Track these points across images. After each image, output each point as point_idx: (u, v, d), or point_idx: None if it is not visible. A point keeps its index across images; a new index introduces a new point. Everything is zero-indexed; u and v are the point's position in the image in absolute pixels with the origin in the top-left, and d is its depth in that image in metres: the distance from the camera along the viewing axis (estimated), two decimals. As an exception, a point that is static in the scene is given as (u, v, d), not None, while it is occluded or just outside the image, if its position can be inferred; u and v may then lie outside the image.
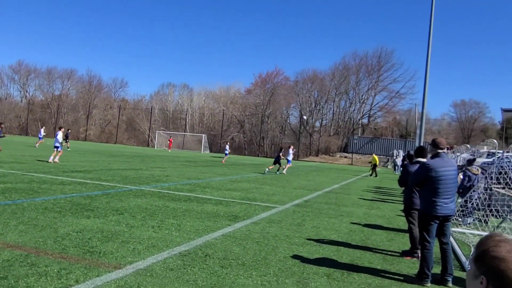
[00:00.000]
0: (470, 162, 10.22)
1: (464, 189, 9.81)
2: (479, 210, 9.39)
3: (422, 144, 20.51)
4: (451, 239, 7.99)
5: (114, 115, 79.87)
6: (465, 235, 8.40)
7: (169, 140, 59.60)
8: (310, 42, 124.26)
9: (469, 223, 9.40)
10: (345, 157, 63.00)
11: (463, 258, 6.53)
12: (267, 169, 24.58)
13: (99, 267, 4.62)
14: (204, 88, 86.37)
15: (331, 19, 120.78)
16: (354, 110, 75.62)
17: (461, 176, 11.98)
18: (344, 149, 68.09)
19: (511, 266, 1.26)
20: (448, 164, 5.35)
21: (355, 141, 63.43)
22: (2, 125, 17.98)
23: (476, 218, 9.59)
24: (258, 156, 63.79)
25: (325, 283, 4.82)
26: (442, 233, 5.40)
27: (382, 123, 77.09)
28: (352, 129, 72.45)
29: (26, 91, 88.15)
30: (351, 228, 8.45)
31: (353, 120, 74.85)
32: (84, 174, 14.58)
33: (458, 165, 12.57)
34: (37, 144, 31.69)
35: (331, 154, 65.91)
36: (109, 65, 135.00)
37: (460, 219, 9.46)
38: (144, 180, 14.15)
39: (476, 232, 8.44)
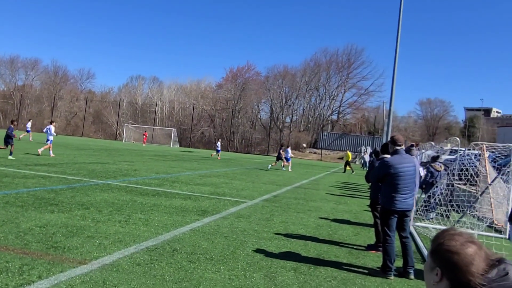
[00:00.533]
0: (434, 159, 10.58)
1: (427, 185, 10.15)
2: (441, 205, 9.76)
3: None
4: (414, 233, 8.28)
5: (80, 107, 77.76)
6: (427, 229, 8.73)
7: (143, 134, 58.65)
8: (282, 38, 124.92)
9: (431, 218, 9.76)
10: (315, 152, 63.78)
11: (425, 252, 6.76)
12: (269, 165, 25.75)
13: (63, 263, 4.53)
14: (175, 82, 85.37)
15: (303, 15, 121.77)
16: (324, 106, 76.74)
17: (424, 172, 12.39)
18: (314, 145, 68.97)
19: (463, 258, 1.32)
20: (407, 160, 5.54)
21: (325, 137, 64.36)
22: (15, 122, 17.61)
23: (438, 213, 9.96)
24: (228, 151, 63.70)
25: (292, 276, 4.90)
26: (401, 228, 5.60)
27: (351, 120, 78.62)
28: (321, 125, 73.45)
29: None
30: (319, 223, 8.59)
31: (323, 116, 75.89)
32: (48, 167, 14.16)
33: (423, 162, 12.99)
34: (21, 136, 31.18)
35: (301, 149, 66.59)
36: (75, 56, 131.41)
37: (423, 214, 9.80)
38: (111, 174, 13.88)
39: (438, 226, 8.77)
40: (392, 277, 5.33)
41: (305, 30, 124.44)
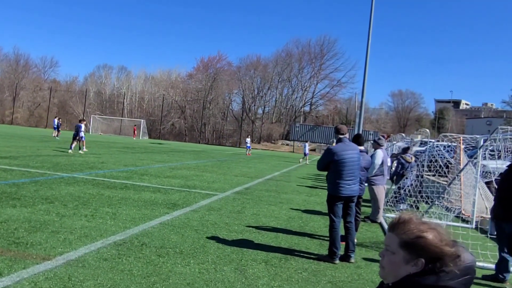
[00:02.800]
0: (405, 150, 10.86)
1: (397, 176, 10.41)
2: (411, 196, 10.04)
3: (360, 132, 21.38)
4: (385, 224, 8.49)
5: (44, 97, 75.32)
6: (397, 220, 8.96)
7: (133, 128, 57.64)
8: (254, 28, 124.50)
9: (401, 209, 10.02)
10: (287, 144, 64.28)
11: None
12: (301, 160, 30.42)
13: (26, 259, 4.41)
14: (143, 72, 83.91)
15: (275, 4, 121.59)
16: (297, 97, 77.25)
17: (395, 164, 12.69)
18: (286, 136, 69.44)
19: (444, 246, 1.43)
20: (350, 148, 5.81)
21: (297, 128, 64.80)
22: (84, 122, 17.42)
23: (408, 204, 10.25)
24: (200, 143, 63.34)
25: (263, 269, 4.95)
26: (346, 213, 5.88)
27: (324, 111, 79.48)
28: (294, 117, 73.97)
29: None
30: (290, 215, 8.69)
31: (295, 108, 76.42)
32: (10, 160, 13.69)
33: (394, 154, 13.30)
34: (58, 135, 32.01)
35: (273, 141, 66.96)
36: (37, 43, 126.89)
37: (393, 205, 10.06)
38: (77, 167, 13.56)
39: (407, 217, 9.01)
40: (337, 261, 5.56)
41: (278, 20, 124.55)
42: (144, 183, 11.29)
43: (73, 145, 19.87)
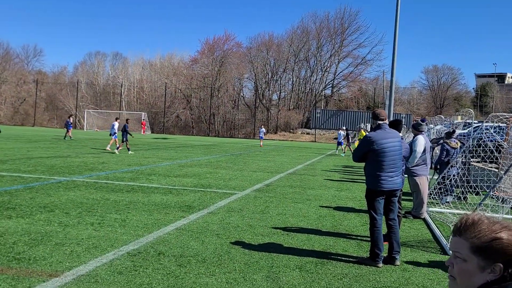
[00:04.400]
0: (449, 134, 10.70)
1: (441, 165, 10.27)
2: (457, 187, 9.91)
3: (391, 116, 21.18)
4: (429, 219, 8.40)
5: (29, 91, 76.23)
6: (443, 215, 8.86)
7: (142, 123, 58.29)
8: (264, 2, 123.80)
9: (447, 202, 9.90)
10: (308, 133, 64.09)
11: (443, 241, 6.87)
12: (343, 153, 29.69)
13: (31, 276, 4.46)
14: (141, 58, 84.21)
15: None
16: (316, 80, 76.71)
17: (437, 151, 12.53)
18: (306, 124, 69.22)
19: None
20: (391, 135, 5.74)
21: (318, 115, 64.55)
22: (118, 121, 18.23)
23: (455, 195, 10.11)
24: (209, 136, 63.59)
25: (298, 276, 4.93)
26: (388, 209, 5.81)
27: (347, 94, 78.88)
28: (314, 102, 73.60)
29: None
30: (321, 213, 8.66)
31: (315, 92, 75.98)
32: None
33: (434, 139, 13.12)
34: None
35: (291, 130, 66.82)
36: (17, 30, 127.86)
37: (437, 198, 9.94)
38: (75, 169, 13.70)
39: (455, 211, 8.91)
40: (381, 264, 5.51)
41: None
42: (153, 184, 11.36)
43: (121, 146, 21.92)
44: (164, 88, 70.56)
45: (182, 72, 77.34)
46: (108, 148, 22.75)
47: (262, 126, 42.48)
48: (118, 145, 22.00)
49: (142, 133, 55.07)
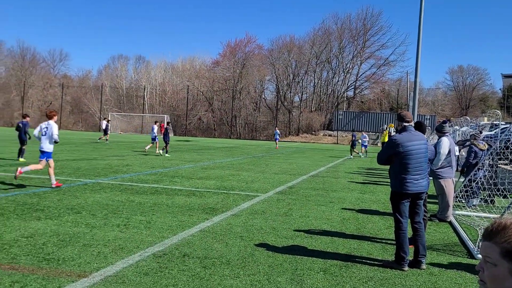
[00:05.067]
0: (475, 136, 10.53)
1: (469, 167, 10.11)
2: (484, 189, 9.73)
3: (415, 117, 20.93)
4: (455, 223, 8.28)
5: (55, 95, 77.80)
6: (470, 218, 8.72)
7: (160, 125, 58.97)
8: (285, 4, 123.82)
9: (474, 205, 9.74)
10: (330, 135, 63.76)
11: (470, 244, 6.77)
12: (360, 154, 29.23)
13: (60, 277, 4.56)
14: (163, 61, 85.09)
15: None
16: (338, 81, 76.27)
17: (463, 153, 12.33)
18: (328, 126, 68.85)
19: None
20: (417, 138, 5.70)
21: (340, 116, 64.17)
22: (28, 118, 17.84)
23: (481, 198, 9.94)
24: (230, 138, 63.82)
25: (322, 279, 4.93)
26: (414, 212, 5.76)
27: (370, 95, 78.17)
28: (336, 104, 73.18)
29: None
30: (344, 216, 8.62)
31: (337, 93, 75.55)
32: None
33: (460, 141, 12.93)
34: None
35: (313, 132, 66.56)
36: (43, 35, 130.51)
37: (464, 201, 9.79)
38: (100, 171, 13.95)
39: (482, 214, 8.76)
40: (407, 268, 5.46)
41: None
42: (176, 186, 11.48)
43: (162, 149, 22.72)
44: (186, 91, 71.11)
45: (204, 74, 77.86)
46: (146, 148, 23.93)
47: (277, 128, 42.84)
48: (163, 147, 22.77)
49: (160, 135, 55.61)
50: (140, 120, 68.50)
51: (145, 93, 74.89)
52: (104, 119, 38.25)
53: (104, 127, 34.78)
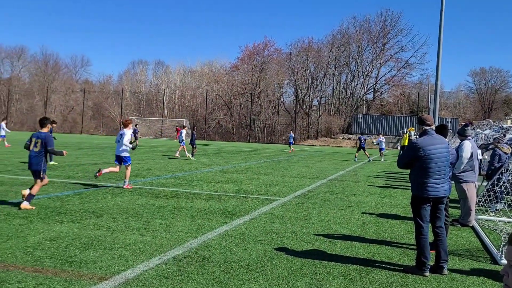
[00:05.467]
0: (499, 139, 10.37)
1: (493, 170, 9.95)
2: (507, 194, 9.57)
3: (436, 120, 20.69)
4: (478, 228, 8.15)
5: (77, 100, 79.08)
6: (493, 223, 8.58)
7: (176, 130, 59.47)
8: (303, 8, 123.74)
9: (497, 209, 9.58)
10: (349, 139, 63.38)
11: (493, 250, 6.66)
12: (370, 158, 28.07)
13: (82, 279, 4.64)
14: (182, 65, 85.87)
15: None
16: (357, 84, 75.86)
17: (486, 157, 12.14)
18: (347, 129, 68.49)
19: None
20: (438, 141, 5.64)
21: (360, 120, 63.79)
22: (54, 124, 17.68)
23: (505, 203, 9.77)
24: (249, 142, 63.94)
25: (342, 283, 4.90)
26: (435, 216, 5.69)
27: (390, 98, 77.52)
28: (355, 107, 72.79)
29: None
30: (364, 220, 8.57)
31: (357, 96, 75.11)
32: (49, 171, 14.41)
33: (483, 144, 12.73)
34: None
35: (332, 136, 66.27)
36: (66, 41, 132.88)
37: (487, 205, 9.62)
38: (121, 175, 14.07)
39: (506, 219, 8.61)
40: (428, 274, 5.40)
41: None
42: (196, 190, 11.56)
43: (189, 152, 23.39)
44: (205, 95, 71.52)
45: (223, 78, 78.28)
46: (177, 155, 23.99)
47: (291, 132, 42.83)
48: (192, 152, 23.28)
49: (175, 139, 55.78)
50: (160, 125, 69.11)
51: (164, 98, 75.57)
52: (135, 125, 38.39)
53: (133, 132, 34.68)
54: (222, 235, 6.77)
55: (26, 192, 8.35)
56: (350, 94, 75.61)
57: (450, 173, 6.31)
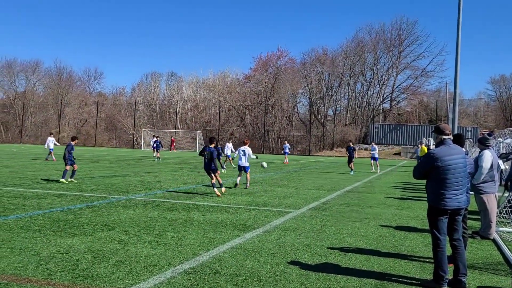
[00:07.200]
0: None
1: (512, 181, 9.82)
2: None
3: (456, 129, 20.51)
4: (499, 240, 8.04)
5: (91, 112, 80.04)
6: (514, 235, 8.45)
7: (171, 140, 59.89)
8: (316, 16, 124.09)
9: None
10: (365, 149, 63.01)
11: (515, 262, 6.56)
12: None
13: (93, 292, 4.68)
14: (195, 76, 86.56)
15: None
16: (373, 93, 75.67)
17: (507, 167, 11.98)
18: (364, 140, 68.15)
19: None
20: (455, 151, 5.58)
21: (376, 129, 63.47)
22: (76, 140, 17.60)
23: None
24: (263, 153, 63.91)
25: (357, 298, 4.87)
26: (453, 228, 5.62)
27: (407, 107, 77.11)
28: (371, 116, 72.48)
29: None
30: (380, 233, 8.50)
31: (373, 106, 74.85)
32: (62, 184, 14.68)
33: (503, 153, 12.58)
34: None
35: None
36: (79, 54, 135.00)
37: (507, 217, 9.49)
38: (133, 188, 14.24)
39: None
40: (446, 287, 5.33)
41: (343, 4, 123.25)
42: (208, 202, 11.60)
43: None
44: (218, 106, 71.86)
45: (236, 89, 78.71)
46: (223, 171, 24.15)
47: (286, 142, 41.75)
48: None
49: (170, 151, 55.95)
50: (173, 136, 69.47)
51: (177, 109, 76.11)
52: (154, 136, 38.46)
53: (153, 144, 34.61)
54: (235, 248, 6.78)
55: None
56: (366, 103, 75.42)
57: (469, 184, 6.25)
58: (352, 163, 25.54)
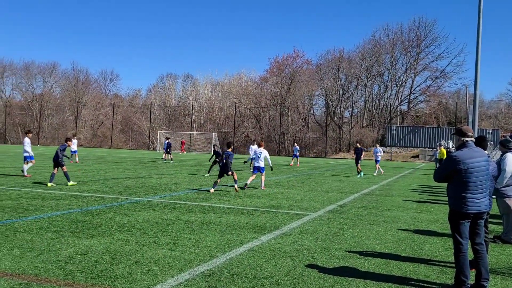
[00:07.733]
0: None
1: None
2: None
3: (476, 132, 20.27)
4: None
5: (107, 114, 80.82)
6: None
7: (181, 142, 60.22)
8: (333, 18, 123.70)
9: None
10: (384, 151, 62.65)
11: (538, 267, 6.45)
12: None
13: (112, 293, 4.73)
14: (210, 78, 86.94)
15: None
16: (391, 95, 75.06)
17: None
18: (381, 142, 67.66)
19: None
20: (478, 154, 5.50)
21: (394, 132, 62.95)
22: (70, 142, 16.46)
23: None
24: (279, 155, 63.87)
25: (376, 302, 4.85)
26: (475, 233, 5.53)
27: (426, 109, 76.34)
28: (389, 118, 71.89)
29: (2, 91, 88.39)
30: (399, 237, 8.44)
31: (390, 108, 74.27)
32: (79, 186, 14.85)
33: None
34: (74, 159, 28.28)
35: (365, 149, 65.56)
36: (95, 56, 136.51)
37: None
38: (149, 189, 14.34)
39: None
40: None
41: (360, 5, 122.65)
42: (225, 204, 11.64)
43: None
44: (233, 108, 72.03)
45: (251, 91, 78.78)
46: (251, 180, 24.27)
47: (296, 143, 38.78)
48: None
49: (180, 153, 56.06)
50: (188, 138, 69.79)
51: (192, 111, 76.47)
52: (167, 138, 38.41)
53: (166, 146, 34.52)
54: (252, 251, 6.79)
55: None
56: (383, 105, 74.87)
57: (492, 187, 6.17)
58: (359, 165, 24.87)
